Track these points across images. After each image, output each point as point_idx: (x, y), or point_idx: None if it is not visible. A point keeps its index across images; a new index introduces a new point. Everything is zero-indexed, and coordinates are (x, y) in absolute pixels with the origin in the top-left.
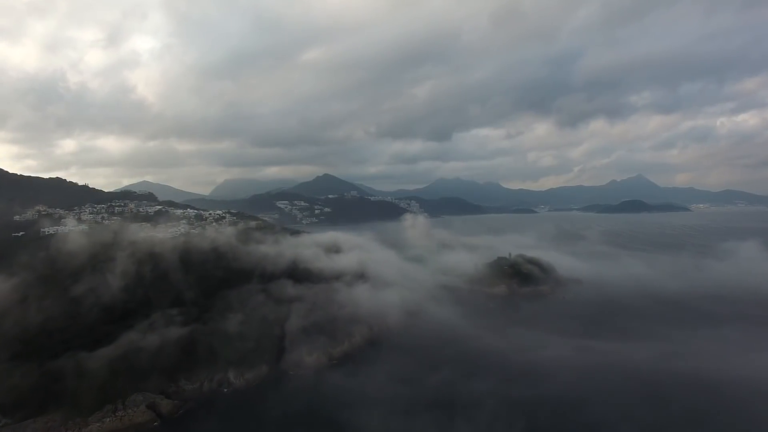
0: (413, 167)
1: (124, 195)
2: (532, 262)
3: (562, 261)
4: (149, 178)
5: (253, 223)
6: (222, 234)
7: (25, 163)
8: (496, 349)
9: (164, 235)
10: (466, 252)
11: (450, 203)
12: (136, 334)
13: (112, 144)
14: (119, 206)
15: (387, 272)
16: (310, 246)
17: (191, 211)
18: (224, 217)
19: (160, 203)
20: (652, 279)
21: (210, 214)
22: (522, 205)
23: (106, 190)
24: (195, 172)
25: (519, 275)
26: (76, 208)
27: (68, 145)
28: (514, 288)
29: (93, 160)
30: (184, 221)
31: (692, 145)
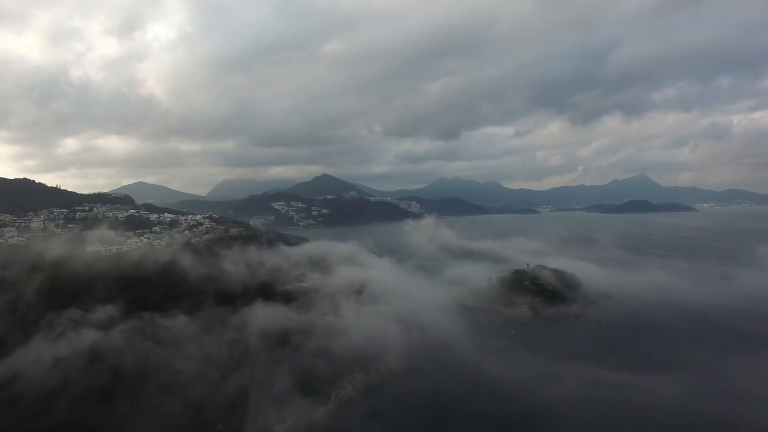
0: (417, 167)
1: (97, 198)
2: (556, 275)
3: (583, 270)
4: (149, 179)
5: (234, 230)
6: (186, 245)
7: (24, 163)
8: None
9: (108, 247)
10: (477, 262)
11: (451, 203)
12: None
13: (114, 143)
14: (83, 211)
15: (386, 291)
16: (294, 258)
17: (168, 215)
18: (202, 223)
19: (135, 207)
20: (684, 292)
21: (186, 219)
22: (524, 205)
23: (103, 192)
24: (197, 173)
25: (543, 292)
26: (30, 213)
27: (69, 144)
28: (538, 308)
29: (94, 160)
30: (157, 227)
31: (704, 143)
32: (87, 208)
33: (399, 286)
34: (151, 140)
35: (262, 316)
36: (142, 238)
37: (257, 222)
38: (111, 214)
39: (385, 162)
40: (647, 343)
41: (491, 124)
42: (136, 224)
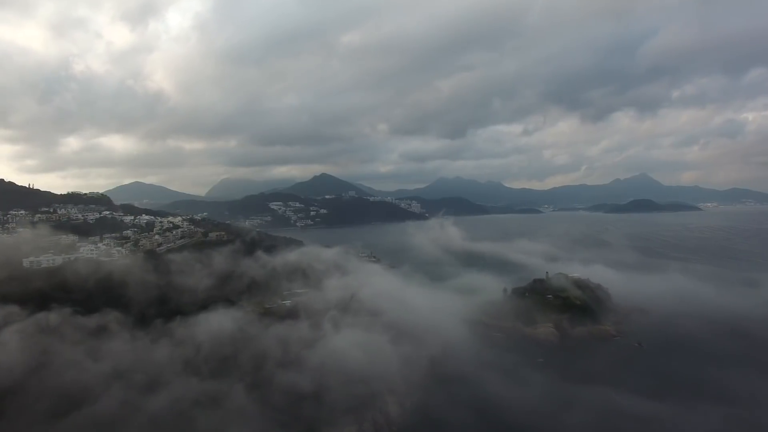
0: (421, 166)
1: (70, 198)
2: (580, 285)
3: (606, 277)
4: (151, 179)
5: (214, 234)
6: (149, 253)
7: (24, 163)
8: None
9: (51, 257)
10: (486, 267)
11: (453, 203)
12: None
13: (117, 142)
14: (46, 213)
15: (384, 306)
16: (276, 268)
17: (145, 217)
18: (179, 227)
19: (112, 208)
20: (716, 302)
21: (161, 222)
22: (525, 204)
23: (79, 192)
24: (200, 172)
25: (570, 308)
26: None
27: (71, 143)
28: (565, 327)
29: (96, 159)
30: (129, 231)
31: (715, 141)
32: (51, 210)
33: (400, 299)
34: (154, 139)
35: (227, 337)
36: (99, 244)
37: (253, 223)
38: (80, 216)
39: (390, 161)
40: (687, 366)
41: (499, 122)
42: (107, 227)
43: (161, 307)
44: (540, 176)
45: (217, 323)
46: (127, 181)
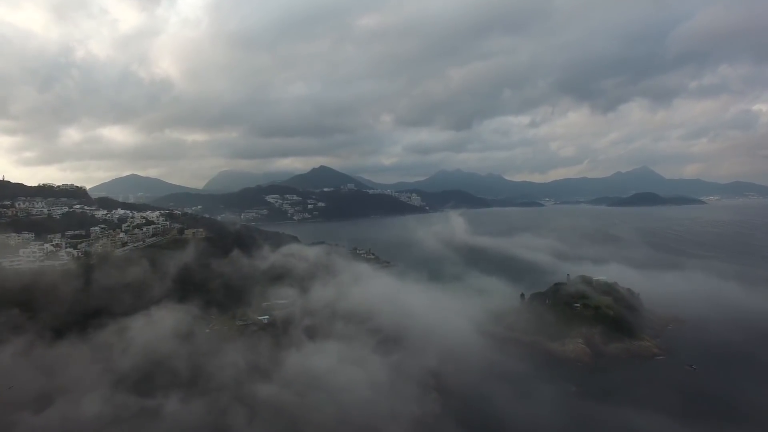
0: (424, 158)
1: (39, 191)
2: (609, 291)
3: (629, 279)
4: (152, 172)
5: (190, 231)
6: (103, 257)
7: (22, 155)
8: None
9: None
10: (494, 266)
11: (453, 196)
12: None
13: (118, 134)
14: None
15: (374, 312)
16: (249, 272)
17: (119, 212)
18: (152, 223)
19: (86, 202)
20: (756, 306)
21: (132, 218)
22: (526, 198)
23: (51, 184)
24: (200, 165)
25: (601, 319)
26: None
27: (71, 134)
28: (598, 343)
29: (96, 151)
30: (97, 228)
31: (725, 133)
32: (9, 204)
33: (397, 305)
34: (156, 130)
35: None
36: (46, 245)
37: (249, 216)
38: (45, 211)
39: (393, 154)
40: (744, 388)
41: (507, 113)
42: (73, 223)
43: (79, 322)
44: (542, 169)
45: (146, 336)
46: (125, 174)
